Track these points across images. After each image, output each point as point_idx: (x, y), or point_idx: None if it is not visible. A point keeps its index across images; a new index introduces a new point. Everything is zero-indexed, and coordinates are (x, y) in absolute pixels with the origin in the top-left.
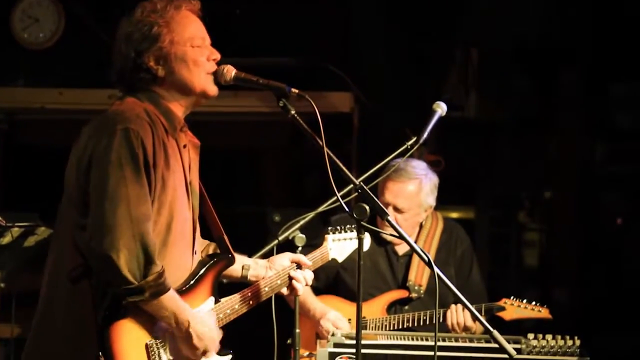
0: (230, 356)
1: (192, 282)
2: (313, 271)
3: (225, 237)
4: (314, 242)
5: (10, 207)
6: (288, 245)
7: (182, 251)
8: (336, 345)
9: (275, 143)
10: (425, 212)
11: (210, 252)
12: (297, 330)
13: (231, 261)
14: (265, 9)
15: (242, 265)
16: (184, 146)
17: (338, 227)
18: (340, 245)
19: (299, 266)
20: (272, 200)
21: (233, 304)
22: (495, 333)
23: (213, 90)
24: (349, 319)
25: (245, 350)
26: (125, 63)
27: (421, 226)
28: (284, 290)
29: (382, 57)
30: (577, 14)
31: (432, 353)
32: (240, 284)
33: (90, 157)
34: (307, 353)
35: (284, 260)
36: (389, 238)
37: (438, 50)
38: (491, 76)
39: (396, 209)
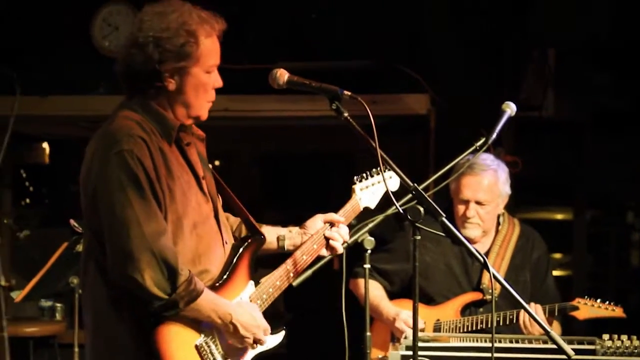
0: (283, 332)
1: (227, 273)
2: (388, 277)
3: (251, 218)
4: (387, 246)
5: None
6: (357, 248)
7: (213, 248)
8: (408, 348)
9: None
10: (503, 202)
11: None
12: (368, 334)
13: (262, 241)
14: (341, 13)
15: (277, 236)
16: (187, 144)
17: (364, 175)
18: (369, 192)
19: (332, 225)
20: None
21: (274, 281)
22: (553, 333)
23: (205, 116)
24: (424, 322)
25: (318, 354)
26: (145, 64)
27: (497, 231)
28: (324, 252)
29: (457, 59)
30: None
31: (501, 355)
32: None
33: (94, 187)
34: (381, 356)
35: (317, 222)
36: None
37: (514, 50)
38: (570, 75)
39: (478, 203)
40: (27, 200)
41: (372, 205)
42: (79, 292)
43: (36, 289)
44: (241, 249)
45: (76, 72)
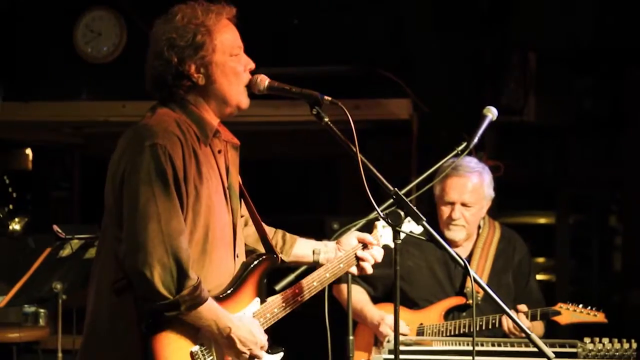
0: (282, 354)
1: (233, 287)
2: (371, 282)
3: (269, 237)
4: None
5: (88, 221)
6: None
7: (222, 257)
8: (391, 351)
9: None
10: (487, 204)
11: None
12: (351, 337)
13: (275, 261)
14: (322, 18)
15: (313, 250)
16: (219, 151)
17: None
18: (390, 230)
19: (365, 246)
20: (346, 209)
21: (281, 302)
22: (534, 336)
23: (246, 103)
24: (408, 325)
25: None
26: (167, 69)
27: (478, 235)
28: (353, 270)
29: (438, 64)
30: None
31: (482, 358)
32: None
33: (122, 175)
34: (363, 359)
35: (352, 239)
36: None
37: (495, 55)
38: (551, 79)
39: (464, 205)
40: (10, 207)
41: (392, 244)
42: (63, 297)
43: (19, 294)
44: (252, 265)
45: (59, 77)
